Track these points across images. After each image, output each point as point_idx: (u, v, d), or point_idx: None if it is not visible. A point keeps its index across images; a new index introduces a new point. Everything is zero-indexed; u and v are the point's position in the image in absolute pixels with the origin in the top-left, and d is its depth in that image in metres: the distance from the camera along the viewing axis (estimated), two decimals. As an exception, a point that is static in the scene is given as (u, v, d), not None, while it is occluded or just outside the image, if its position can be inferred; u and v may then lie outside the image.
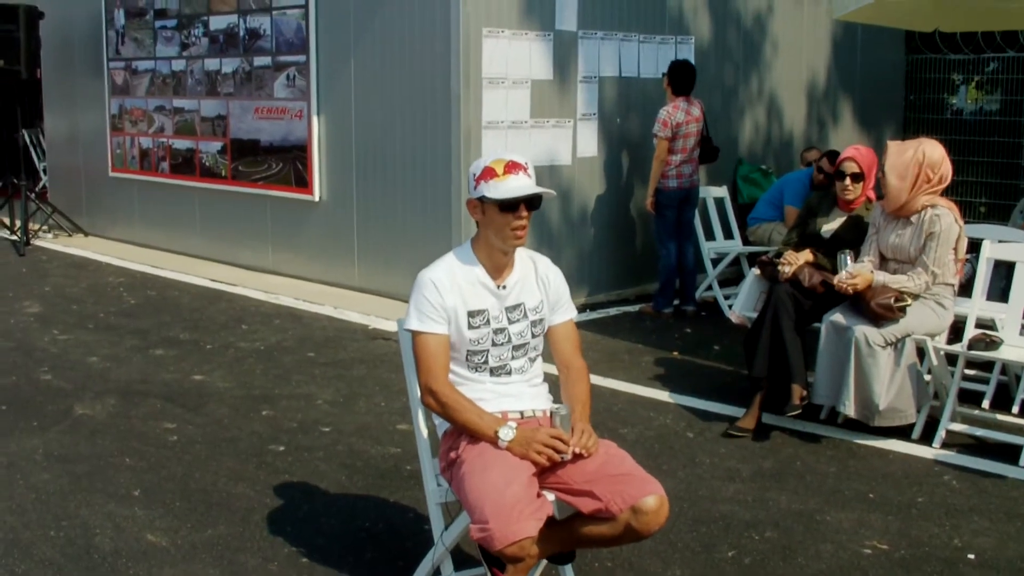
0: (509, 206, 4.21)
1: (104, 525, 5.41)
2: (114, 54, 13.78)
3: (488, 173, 4.24)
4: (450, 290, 4.29)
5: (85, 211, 14.73)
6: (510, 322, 4.37)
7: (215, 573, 4.93)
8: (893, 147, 6.78)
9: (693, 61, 11.34)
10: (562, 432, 4.11)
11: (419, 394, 4.36)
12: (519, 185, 4.22)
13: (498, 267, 4.36)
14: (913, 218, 6.75)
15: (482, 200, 4.25)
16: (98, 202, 14.56)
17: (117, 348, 8.83)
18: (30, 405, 7.32)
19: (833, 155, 10.03)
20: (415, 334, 4.31)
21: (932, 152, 6.71)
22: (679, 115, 10.07)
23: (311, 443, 6.68)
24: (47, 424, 6.94)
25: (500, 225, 4.24)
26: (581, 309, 4.60)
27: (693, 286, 10.48)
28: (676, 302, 10.46)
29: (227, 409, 7.31)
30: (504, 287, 4.37)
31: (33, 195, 14.56)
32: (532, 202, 4.25)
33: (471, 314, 4.31)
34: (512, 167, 4.24)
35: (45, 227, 14.51)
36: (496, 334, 4.35)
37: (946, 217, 6.66)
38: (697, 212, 10.85)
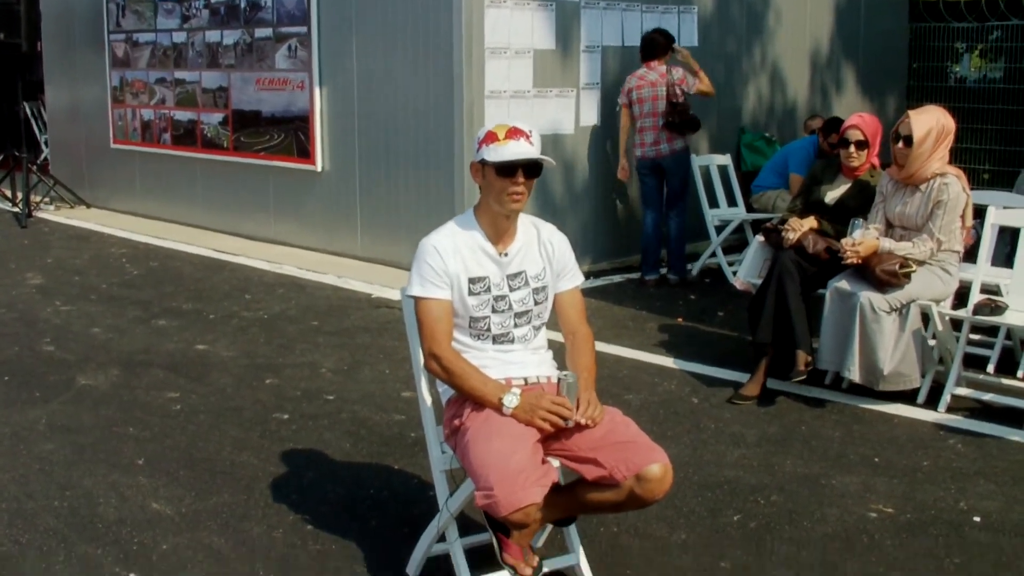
0: (506, 170, 4.19)
1: (108, 495, 5.41)
2: (115, 26, 13.73)
3: (490, 137, 4.24)
4: (452, 256, 4.28)
5: (87, 183, 14.70)
6: (511, 289, 4.36)
7: (220, 541, 4.93)
8: (914, 116, 6.74)
9: (696, 31, 11.37)
10: (566, 400, 4.10)
11: (423, 361, 4.35)
12: (518, 150, 4.20)
13: (500, 233, 4.35)
14: (922, 186, 6.73)
15: (483, 163, 4.25)
16: (100, 174, 14.53)
17: (120, 319, 8.82)
18: (33, 376, 7.32)
19: (833, 123, 10.00)
20: (418, 300, 4.30)
21: (948, 121, 6.75)
22: (632, 81, 10.07)
23: (315, 411, 6.67)
24: (50, 395, 6.93)
25: (498, 189, 4.23)
26: (584, 277, 4.59)
27: (679, 256, 10.36)
28: (664, 271, 10.44)
29: (231, 378, 7.31)
30: (506, 254, 4.35)
31: (35, 167, 14.53)
32: (531, 169, 4.23)
33: (472, 281, 4.30)
34: (514, 132, 4.23)
35: (47, 199, 14.47)
36: (497, 301, 4.33)
37: (955, 185, 6.64)
38: (701, 180, 10.83)
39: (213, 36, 12.20)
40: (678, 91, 9.99)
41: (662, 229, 10.39)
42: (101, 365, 7.56)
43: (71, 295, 9.65)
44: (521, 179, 4.21)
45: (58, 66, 15.12)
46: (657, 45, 10.10)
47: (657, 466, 3.99)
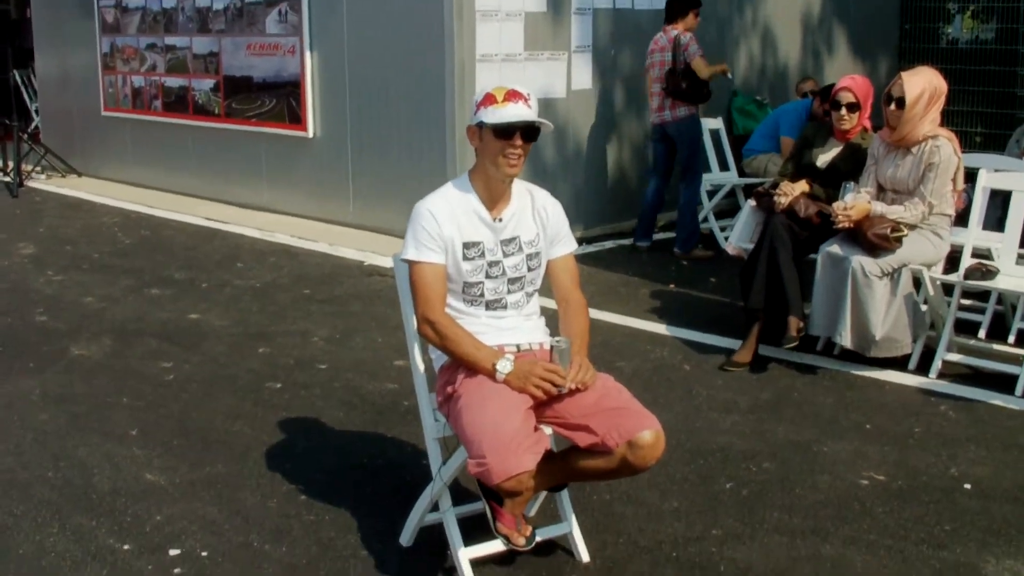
0: (504, 132, 4.18)
1: (102, 465, 5.42)
2: (104, -8, 13.67)
3: (488, 99, 4.22)
4: (447, 220, 4.27)
5: (78, 151, 14.66)
6: (505, 255, 4.35)
7: (214, 511, 4.95)
8: (907, 77, 6.72)
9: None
10: (559, 367, 4.11)
11: (416, 326, 4.35)
12: (516, 113, 4.19)
13: (495, 198, 4.34)
14: (913, 149, 6.72)
15: (480, 126, 4.24)
16: (91, 142, 14.50)
17: (112, 288, 8.82)
18: (26, 346, 7.32)
19: (829, 90, 9.97)
20: (412, 264, 4.29)
21: (940, 82, 6.75)
22: (650, 43, 10.02)
23: (308, 380, 6.68)
24: (43, 365, 6.94)
25: (494, 152, 4.21)
26: (577, 243, 4.58)
27: (684, 228, 10.19)
28: (655, 238, 10.44)
29: (223, 347, 7.31)
30: (500, 220, 4.35)
31: (26, 136, 14.49)
32: (528, 132, 4.22)
33: (466, 245, 4.29)
34: (512, 95, 4.22)
35: (38, 168, 14.43)
36: (491, 267, 4.33)
37: (946, 148, 6.64)
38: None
39: (203, 1, 12.14)
40: (680, 59, 9.87)
41: (664, 197, 10.35)
42: (94, 335, 7.56)
43: (63, 265, 9.64)
44: (519, 141, 4.20)
45: (48, 33, 15.05)
46: (672, 7, 9.98)
47: (649, 432, 4.00)
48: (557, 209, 4.51)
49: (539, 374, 4.08)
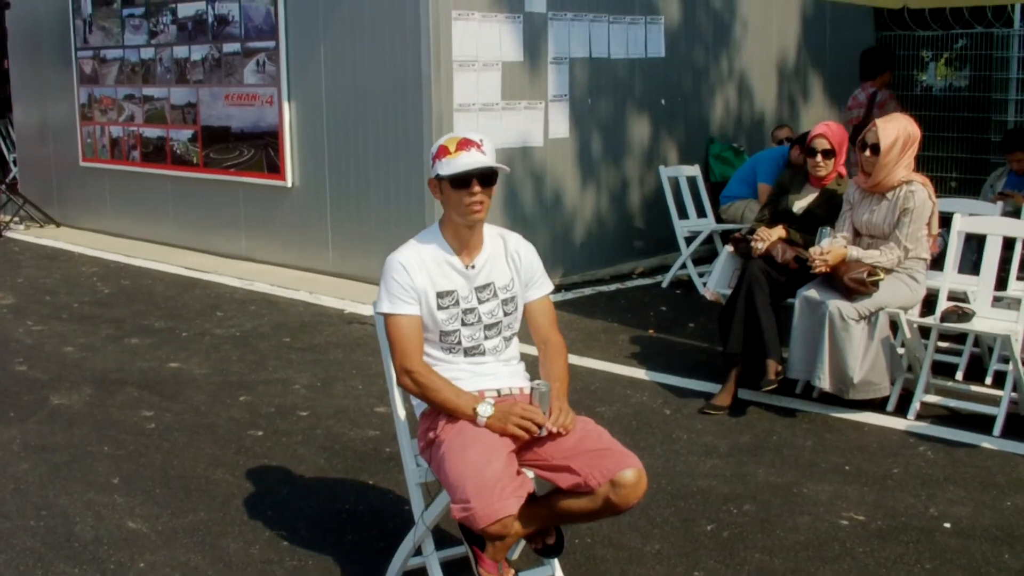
0: (461, 182, 4.23)
1: (84, 513, 5.41)
2: (82, 43, 13.69)
3: (442, 151, 4.28)
4: (418, 271, 4.31)
5: (56, 201, 14.66)
6: (480, 302, 4.39)
7: (197, 558, 4.94)
8: (881, 124, 6.81)
9: (663, 42, 11.40)
10: (538, 408, 4.14)
11: (395, 376, 4.38)
12: (469, 161, 4.24)
13: (465, 246, 4.38)
14: (888, 194, 6.79)
15: (438, 178, 4.28)
16: (69, 192, 14.49)
17: (92, 338, 8.81)
18: (6, 396, 7.30)
19: (806, 138, 10.05)
20: (387, 317, 4.33)
21: (914, 129, 6.84)
22: (848, 100, 10.06)
23: (289, 427, 6.69)
24: (24, 415, 6.92)
25: (456, 202, 4.27)
26: (556, 290, 4.62)
27: None
28: None
29: (204, 396, 7.31)
30: (473, 267, 4.39)
31: (3, 187, 14.49)
32: (485, 178, 4.27)
33: (440, 295, 4.33)
34: (464, 144, 4.27)
35: (16, 218, 14.42)
36: (466, 314, 4.36)
37: (920, 193, 6.71)
38: (670, 191, 10.90)
39: (181, 52, 12.19)
40: (874, 114, 9.87)
41: None
42: (74, 384, 7.56)
43: (43, 314, 9.63)
44: (477, 188, 4.24)
45: (26, 84, 15.07)
46: (868, 65, 9.89)
47: (631, 471, 4.03)
48: (530, 252, 4.55)
49: (519, 412, 4.11)
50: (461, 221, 4.31)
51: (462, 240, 4.37)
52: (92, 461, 6.13)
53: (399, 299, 4.29)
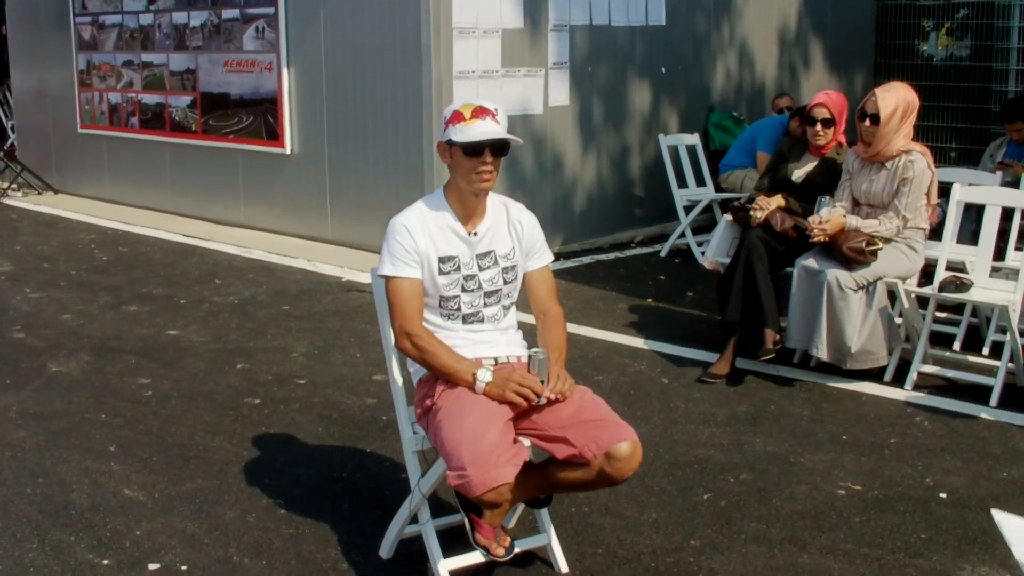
0: (473, 151, 4.21)
1: (81, 481, 5.41)
2: (80, 9, 13.63)
3: (456, 117, 4.25)
4: (422, 234, 4.30)
5: (55, 168, 14.62)
6: (480, 269, 4.38)
7: (193, 526, 4.95)
8: (881, 93, 6.78)
9: (663, 9, 11.37)
10: (536, 376, 4.13)
11: (394, 341, 4.37)
12: (485, 130, 4.21)
13: (469, 213, 4.37)
14: (888, 164, 6.78)
15: (450, 143, 4.26)
16: (67, 159, 14.46)
17: (90, 305, 8.80)
18: (4, 363, 7.30)
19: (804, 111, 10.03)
20: (388, 279, 4.32)
21: (913, 97, 6.82)
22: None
23: (287, 395, 6.69)
24: (21, 382, 6.93)
25: (466, 169, 4.25)
26: (555, 258, 4.62)
27: None
28: None
29: (202, 363, 7.31)
30: (475, 234, 4.37)
31: (1, 153, 14.45)
32: (498, 148, 4.25)
33: (442, 260, 4.32)
34: (480, 112, 4.24)
35: (14, 185, 14.39)
36: (466, 280, 4.35)
37: (920, 162, 6.69)
38: (669, 160, 10.88)
39: (180, 17, 12.14)
40: None
41: None
42: (72, 351, 7.55)
43: (41, 281, 9.63)
44: (489, 159, 4.23)
45: (24, 50, 15.01)
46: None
47: (626, 444, 4.03)
48: (532, 222, 4.54)
49: (518, 379, 4.10)
50: (468, 188, 4.30)
51: (467, 207, 4.36)
52: (89, 429, 6.13)
53: (401, 261, 4.28)
